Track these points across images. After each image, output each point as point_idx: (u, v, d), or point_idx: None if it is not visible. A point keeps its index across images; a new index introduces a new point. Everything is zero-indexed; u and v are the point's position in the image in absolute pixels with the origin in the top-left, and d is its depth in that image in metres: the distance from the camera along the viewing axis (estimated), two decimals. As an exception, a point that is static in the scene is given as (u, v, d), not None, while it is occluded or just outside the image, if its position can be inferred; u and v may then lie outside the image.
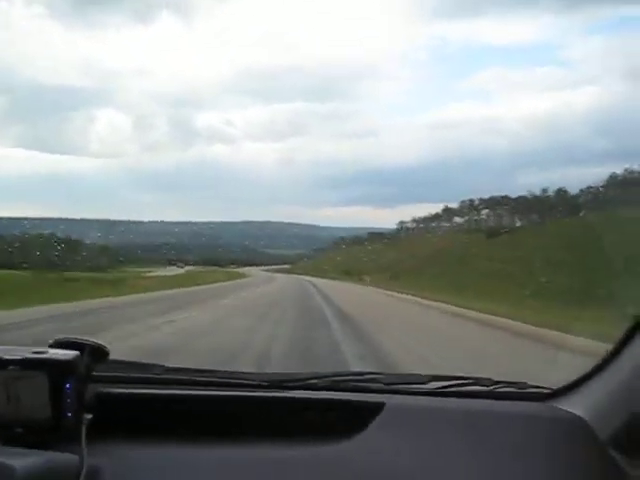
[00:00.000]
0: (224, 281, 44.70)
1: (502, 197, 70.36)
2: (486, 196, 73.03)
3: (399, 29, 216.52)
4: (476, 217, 75.88)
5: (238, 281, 47.48)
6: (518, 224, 59.58)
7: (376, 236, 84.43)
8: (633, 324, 1.36)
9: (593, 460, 1.34)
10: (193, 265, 63.35)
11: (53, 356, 1.33)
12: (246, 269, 71.20)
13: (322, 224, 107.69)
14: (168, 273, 49.24)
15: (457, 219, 79.12)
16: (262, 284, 39.70)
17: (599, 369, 1.47)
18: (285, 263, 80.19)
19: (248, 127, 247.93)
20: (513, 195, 67.42)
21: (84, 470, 1.23)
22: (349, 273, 63.24)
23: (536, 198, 58.12)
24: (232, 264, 69.37)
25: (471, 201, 76.87)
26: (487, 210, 73.35)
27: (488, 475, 1.31)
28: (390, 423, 1.42)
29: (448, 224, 79.18)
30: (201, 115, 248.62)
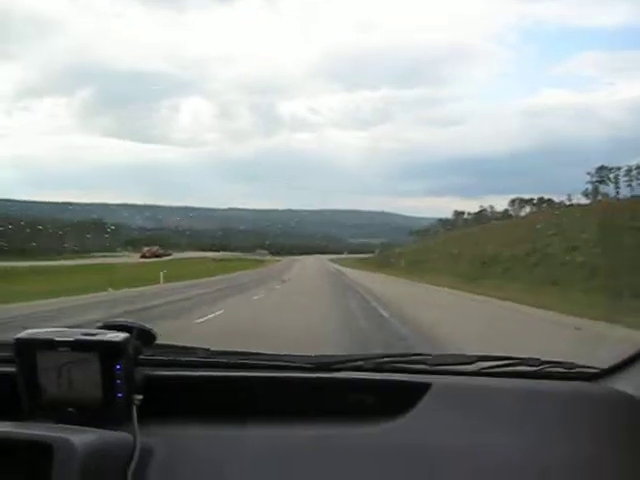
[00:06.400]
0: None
1: None
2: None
3: (489, 10, 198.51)
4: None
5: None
6: None
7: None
8: None
9: None
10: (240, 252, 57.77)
11: (103, 338, 1.36)
12: (310, 257, 65.00)
13: (407, 214, 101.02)
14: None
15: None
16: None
17: None
18: (369, 252, 70.82)
19: (333, 115, 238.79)
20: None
21: (137, 447, 1.26)
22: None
23: None
24: (278, 252, 62.06)
25: None
26: None
27: (538, 454, 1.30)
28: (437, 403, 1.43)
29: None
30: (285, 102, 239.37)
